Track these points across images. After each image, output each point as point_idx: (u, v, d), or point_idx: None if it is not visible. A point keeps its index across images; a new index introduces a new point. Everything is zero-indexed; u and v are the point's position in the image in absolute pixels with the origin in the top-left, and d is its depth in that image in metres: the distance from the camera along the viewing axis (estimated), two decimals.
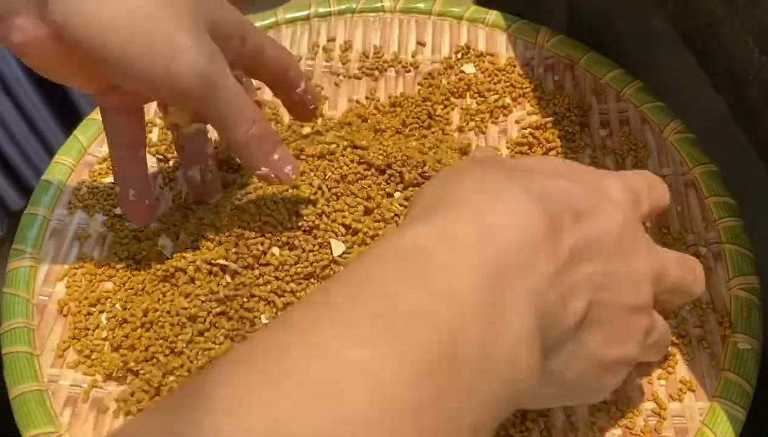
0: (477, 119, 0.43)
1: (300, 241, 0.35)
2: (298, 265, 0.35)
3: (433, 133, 0.43)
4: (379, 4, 0.49)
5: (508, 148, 0.42)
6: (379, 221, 0.36)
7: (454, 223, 0.22)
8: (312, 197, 0.36)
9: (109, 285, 0.38)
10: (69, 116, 0.83)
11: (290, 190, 0.37)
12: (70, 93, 0.81)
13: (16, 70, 0.73)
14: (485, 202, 0.23)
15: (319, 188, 0.36)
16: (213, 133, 0.40)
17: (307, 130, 0.42)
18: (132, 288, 0.37)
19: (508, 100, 0.44)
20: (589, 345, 0.25)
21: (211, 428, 0.17)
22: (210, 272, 0.35)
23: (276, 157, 0.33)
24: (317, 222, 0.35)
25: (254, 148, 0.33)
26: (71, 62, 0.30)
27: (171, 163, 0.43)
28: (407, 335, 0.19)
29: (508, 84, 0.45)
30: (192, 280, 0.36)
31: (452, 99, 0.44)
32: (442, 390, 0.19)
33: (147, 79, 0.30)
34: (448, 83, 0.45)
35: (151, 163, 0.43)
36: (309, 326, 0.20)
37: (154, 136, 0.44)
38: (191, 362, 0.34)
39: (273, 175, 0.33)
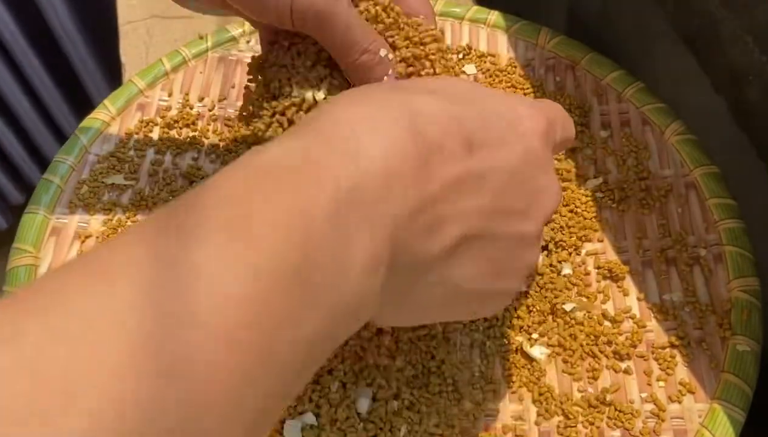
0: None
1: None
2: None
3: None
4: None
5: None
6: None
7: (318, 145, 0.21)
8: None
9: None
10: (85, 107, 0.81)
11: None
12: (85, 85, 0.80)
13: (33, 61, 0.72)
14: (356, 125, 0.22)
15: None
16: None
17: None
18: None
19: None
20: (455, 277, 0.24)
21: None
22: None
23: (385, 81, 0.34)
24: None
25: (362, 74, 0.33)
26: None
27: (171, 161, 0.43)
28: (248, 242, 0.18)
29: (509, 84, 0.45)
30: None
31: None
32: (278, 303, 0.18)
33: (262, 15, 0.31)
34: None
35: (152, 160, 0.43)
36: (150, 231, 0.19)
37: (154, 135, 0.44)
38: None
39: None
